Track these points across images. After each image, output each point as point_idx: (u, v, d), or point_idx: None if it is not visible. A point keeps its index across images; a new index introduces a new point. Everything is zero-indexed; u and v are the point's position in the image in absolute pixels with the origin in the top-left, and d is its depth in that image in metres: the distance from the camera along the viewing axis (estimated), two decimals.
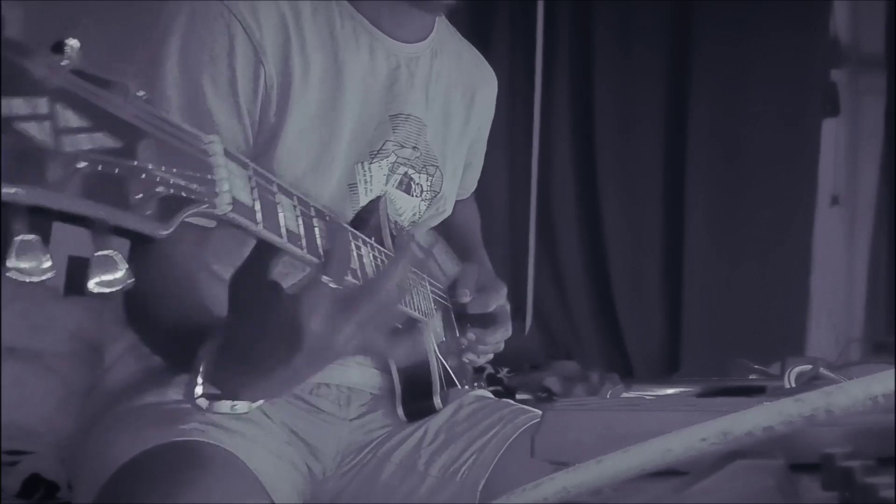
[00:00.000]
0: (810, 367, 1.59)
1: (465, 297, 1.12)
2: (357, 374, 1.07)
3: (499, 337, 1.15)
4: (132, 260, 0.82)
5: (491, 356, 1.18)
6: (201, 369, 0.69)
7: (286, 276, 0.67)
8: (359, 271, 0.71)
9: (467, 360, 1.15)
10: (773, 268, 2.95)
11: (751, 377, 2.23)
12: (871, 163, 2.96)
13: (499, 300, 1.15)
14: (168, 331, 0.84)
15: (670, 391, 2.15)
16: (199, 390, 0.69)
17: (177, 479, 0.81)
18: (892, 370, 0.44)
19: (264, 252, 0.66)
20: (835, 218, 3.02)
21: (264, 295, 0.65)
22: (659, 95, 3.04)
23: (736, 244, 2.98)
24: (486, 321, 1.14)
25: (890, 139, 2.90)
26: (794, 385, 1.59)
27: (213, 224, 0.92)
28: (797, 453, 0.49)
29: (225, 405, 0.70)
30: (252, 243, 0.97)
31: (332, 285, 0.64)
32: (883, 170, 2.92)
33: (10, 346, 1.86)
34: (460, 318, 1.17)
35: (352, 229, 0.74)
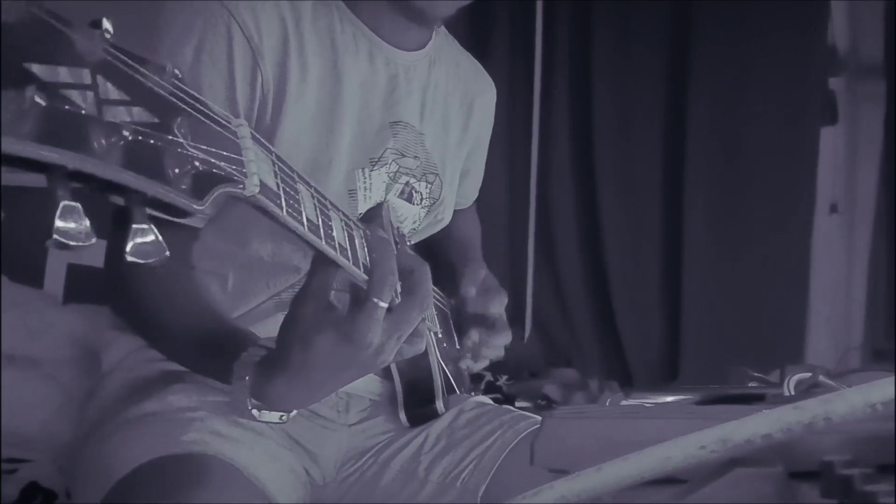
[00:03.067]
0: (809, 374, 1.59)
1: (471, 293, 1.13)
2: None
3: (501, 340, 1.15)
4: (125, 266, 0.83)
5: (487, 363, 1.18)
6: (249, 382, 0.72)
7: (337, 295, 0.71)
8: (398, 287, 0.73)
9: (465, 367, 1.15)
10: (772, 274, 2.94)
11: (750, 385, 2.23)
12: (870, 170, 2.96)
13: (500, 305, 1.15)
14: (175, 334, 0.86)
15: (669, 399, 2.14)
16: (253, 401, 0.73)
17: (177, 493, 0.81)
18: (891, 378, 0.44)
19: (322, 273, 0.69)
20: (834, 225, 3.01)
21: (322, 316, 0.69)
22: (658, 95, 3.03)
23: (735, 250, 2.98)
24: (487, 325, 1.15)
25: (889, 146, 2.90)
26: (793, 393, 1.59)
27: (201, 225, 0.93)
28: (796, 461, 0.49)
29: (274, 416, 0.74)
30: (248, 242, 0.97)
31: (382, 304, 0.67)
32: (882, 177, 2.92)
33: (8, 354, 1.86)
34: (460, 320, 1.17)
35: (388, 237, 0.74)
